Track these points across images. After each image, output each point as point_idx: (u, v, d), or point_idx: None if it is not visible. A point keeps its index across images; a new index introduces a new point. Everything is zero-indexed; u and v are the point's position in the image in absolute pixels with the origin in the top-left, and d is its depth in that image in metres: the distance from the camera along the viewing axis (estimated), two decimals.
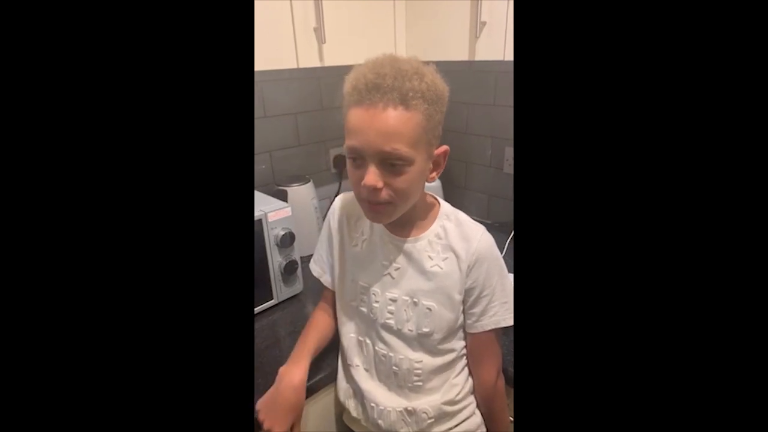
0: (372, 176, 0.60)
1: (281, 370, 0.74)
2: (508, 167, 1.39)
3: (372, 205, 0.64)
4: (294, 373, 0.73)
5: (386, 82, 0.57)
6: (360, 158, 0.61)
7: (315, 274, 0.86)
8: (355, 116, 0.59)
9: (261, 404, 0.71)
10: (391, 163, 0.59)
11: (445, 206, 0.73)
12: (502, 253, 1.22)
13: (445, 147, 0.66)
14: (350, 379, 0.80)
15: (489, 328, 0.70)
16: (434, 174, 0.67)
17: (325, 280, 0.84)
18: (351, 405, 0.81)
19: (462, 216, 0.73)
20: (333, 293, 0.83)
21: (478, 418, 0.77)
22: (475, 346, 0.74)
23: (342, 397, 0.83)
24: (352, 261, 0.77)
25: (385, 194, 0.61)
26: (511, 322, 0.70)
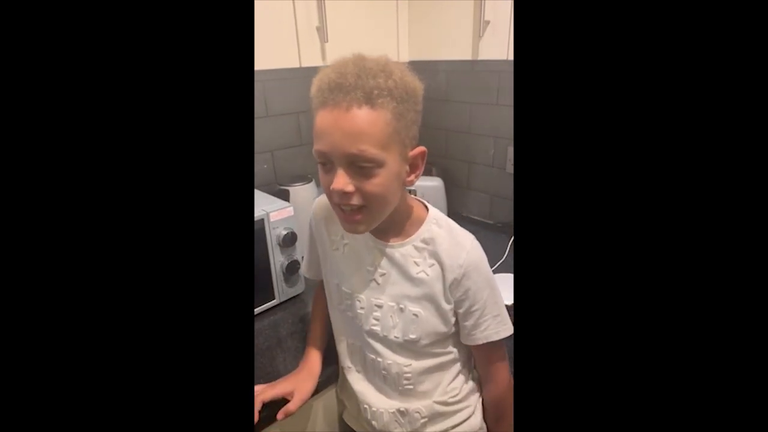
0: (341, 180, 0.57)
1: (301, 363, 0.81)
2: (511, 167, 1.38)
3: (346, 214, 0.61)
4: (310, 363, 0.80)
5: (348, 81, 0.54)
6: (329, 162, 0.58)
7: (302, 271, 0.89)
8: (320, 118, 0.57)
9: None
10: (359, 166, 0.56)
11: (433, 212, 0.71)
12: (504, 254, 1.24)
13: (421, 148, 0.62)
14: (345, 379, 0.81)
15: (480, 342, 0.68)
16: (413, 177, 0.63)
17: (310, 275, 0.87)
18: (348, 404, 0.83)
19: (452, 223, 0.70)
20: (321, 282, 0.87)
21: (476, 419, 0.77)
22: (478, 356, 0.73)
23: (340, 396, 0.85)
24: (334, 265, 0.75)
25: (356, 199, 0.59)
26: (504, 334, 0.69)
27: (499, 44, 1.02)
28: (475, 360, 0.75)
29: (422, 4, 1.15)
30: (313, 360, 0.80)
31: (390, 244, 0.69)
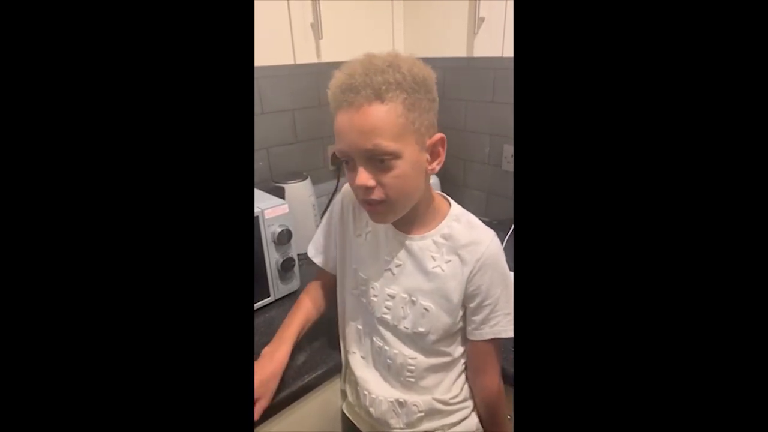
0: (362, 176, 0.60)
1: (264, 350, 0.75)
2: (507, 164, 1.38)
3: (370, 206, 0.64)
4: (275, 354, 0.75)
5: (357, 81, 0.56)
6: (351, 160, 0.61)
7: (309, 254, 0.86)
8: (338, 120, 0.60)
9: None
10: (379, 159, 0.59)
11: (455, 208, 0.72)
12: None
13: (440, 135, 0.63)
14: (347, 364, 0.82)
15: (488, 337, 0.69)
16: (434, 165, 0.65)
17: (319, 260, 0.84)
18: (348, 390, 0.84)
19: (472, 219, 0.71)
20: (326, 274, 0.85)
21: (473, 421, 0.77)
22: (477, 353, 0.73)
23: (342, 385, 0.86)
24: (355, 251, 0.77)
25: (378, 193, 0.61)
26: (512, 333, 0.69)
27: (494, 41, 1.01)
28: (469, 361, 0.75)
29: (417, 2, 1.14)
30: (283, 357, 0.76)
31: (410, 236, 0.70)
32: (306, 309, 0.83)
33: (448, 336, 0.71)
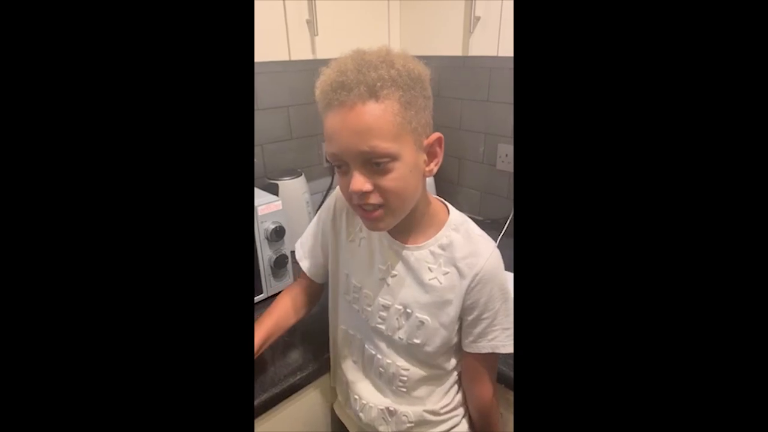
0: (358, 181, 0.56)
1: None
2: (501, 164, 1.39)
3: (366, 213, 0.60)
4: None
5: (349, 78, 0.52)
6: (344, 164, 0.57)
7: (297, 255, 0.82)
8: (328, 121, 0.56)
9: None
10: (375, 162, 0.55)
11: (454, 215, 0.68)
12: None
13: (437, 134, 0.60)
14: (338, 367, 0.81)
15: (486, 351, 0.66)
16: (432, 165, 0.61)
17: (303, 265, 0.81)
18: (338, 391, 0.83)
19: (472, 229, 0.67)
20: (308, 279, 0.82)
21: (463, 429, 0.77)
22: (472, 365, 0.71)
23: (332, 382, 0.86)
24: (347, 256, 0.74)
25: (375, 198, 0.57)
26: (510, 349, 0.66)
27: (489, 40, 1.01)
28: (464, 371, 0.73)
29: (413, 0, 1.14)
30: None
31: (406, 246, 0.67)
32: (277, 316, 0.79)
33: (444, 348, 0.68)
